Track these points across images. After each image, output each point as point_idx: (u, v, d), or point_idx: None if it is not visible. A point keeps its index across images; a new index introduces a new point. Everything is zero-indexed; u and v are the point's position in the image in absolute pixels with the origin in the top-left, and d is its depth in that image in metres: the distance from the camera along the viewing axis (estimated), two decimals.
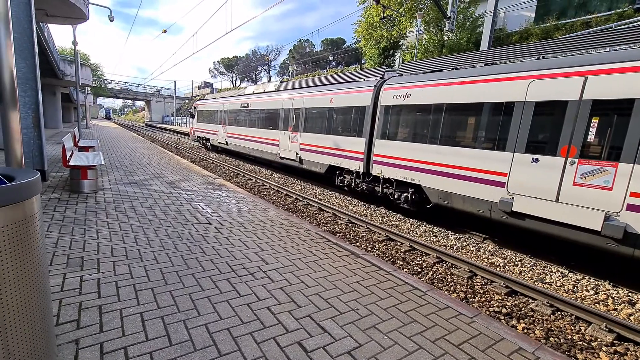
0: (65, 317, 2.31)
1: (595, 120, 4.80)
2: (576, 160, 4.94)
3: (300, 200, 8.80)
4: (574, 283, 4.85)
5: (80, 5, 9.95)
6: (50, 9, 10.00)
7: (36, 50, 6.30)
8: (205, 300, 2.67)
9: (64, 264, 3.10)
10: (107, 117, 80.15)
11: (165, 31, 21.46)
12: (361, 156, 8.78)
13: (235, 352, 2.09)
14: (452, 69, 7.05)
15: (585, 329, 3.70)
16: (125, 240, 3.81)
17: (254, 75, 65.97)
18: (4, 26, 2.57)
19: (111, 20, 14.57)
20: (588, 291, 4.63)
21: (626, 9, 14.62)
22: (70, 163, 5.90)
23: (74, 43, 16.20)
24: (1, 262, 1.05)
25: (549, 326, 3.74)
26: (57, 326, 2.21)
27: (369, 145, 8.59)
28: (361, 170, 8.80)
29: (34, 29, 6.29)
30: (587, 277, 5.02)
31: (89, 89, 33.72)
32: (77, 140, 10.09)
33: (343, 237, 6.22)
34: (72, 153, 6.95)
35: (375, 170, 8.39)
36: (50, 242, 3.61)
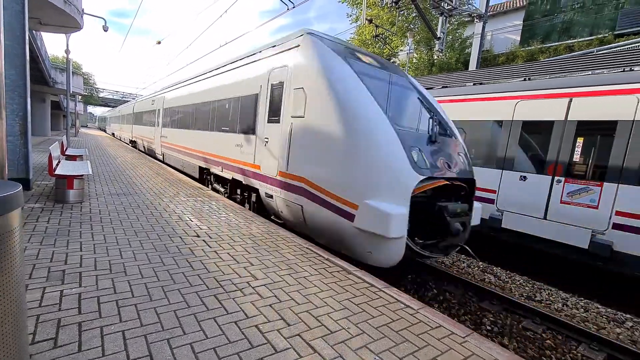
0: (42, 335, 2.19)
1: (580, 140, 4.94)
2: (562, 179, 5.06)
3: None
4: (563, 301, 4.88)
5: (75, 15, 9.95)
6: (44, 17, 9.96)
7: (27, 57, 6.24)
8: (191, 317, 2.57)
9: (44, 278, 2.97)
10: None
11: (159, 42, 21.56)
12: None
13: None
14: (442, 87, 7.22)
15: (576, 348, 3.69)
16: (109, 253, 3.69)
17: None
18: None
19: (105, 31, 14.59)
20: (577, 309, 4.65)
21: (607, 34, 15.38)
22: (56, 172, 5.75)
23: (67, 51, 16.12)
24: None
25: (540, 345, 3.72)
26: (32, 344, 2.09)
27: None
28: None
29: (27, 37, 6.25)
30: (576, 295, 5.06)
31: (80, 97, 33.37)
32: (64, 148, 9.89)
33: (334, 251, 6.14)
34: (59, 162, 6.79)
35: None
36: (30, 255, 3.46)
